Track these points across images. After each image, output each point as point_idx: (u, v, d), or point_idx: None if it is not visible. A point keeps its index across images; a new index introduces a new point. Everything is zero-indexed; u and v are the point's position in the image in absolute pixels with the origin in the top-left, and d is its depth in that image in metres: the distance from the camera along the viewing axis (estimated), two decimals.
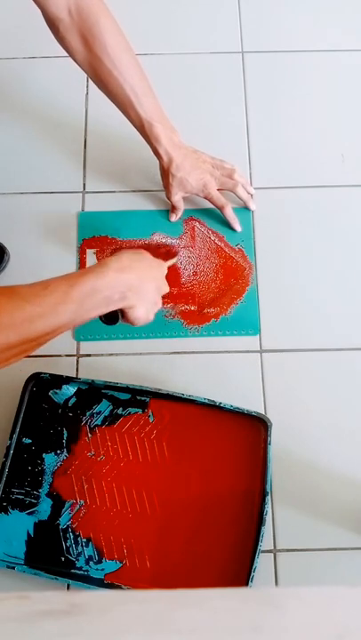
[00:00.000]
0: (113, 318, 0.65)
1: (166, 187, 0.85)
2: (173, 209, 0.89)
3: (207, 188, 0.84)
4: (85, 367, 0.81)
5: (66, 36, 0.73)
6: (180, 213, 0.89)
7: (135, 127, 0.80)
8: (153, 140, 0.80)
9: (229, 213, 0.87)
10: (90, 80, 0.78)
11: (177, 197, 0.86)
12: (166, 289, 0.71)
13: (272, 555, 0.73)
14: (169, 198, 0.87)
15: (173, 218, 0.89)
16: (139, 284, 0.63)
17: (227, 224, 0.88)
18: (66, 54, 0.76)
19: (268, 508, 0.71)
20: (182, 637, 0.26)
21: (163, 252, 0.87)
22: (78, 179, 0.87)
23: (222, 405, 0.75)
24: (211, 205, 0.89)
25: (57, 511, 0.74)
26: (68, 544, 0.72)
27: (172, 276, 0.85)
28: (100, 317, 0.63)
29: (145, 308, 0.65)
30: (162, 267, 0.71)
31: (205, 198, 0.86)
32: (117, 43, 0.75)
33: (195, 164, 0.84)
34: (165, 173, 0.84)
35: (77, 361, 0.82)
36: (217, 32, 1.02)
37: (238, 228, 0.88)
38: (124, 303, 0.62)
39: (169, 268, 0.75)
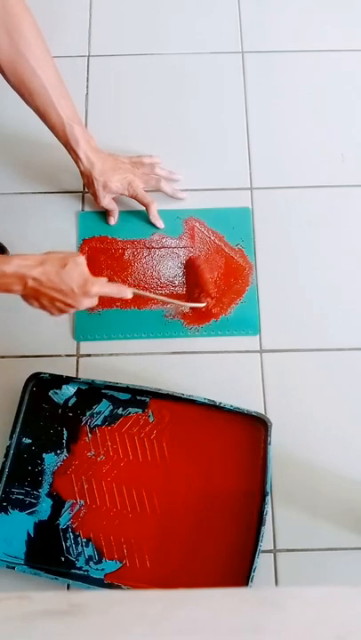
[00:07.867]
0: None
1: (93, 194, 0.85)
2: (109, 213, 0.88)
3: (132, 186, 0.84)
4: (85, 367, 0.81)
5: None
6: (116, 214, 0.88)
7: (53, 130, 0.79)
8: (73, 142, 0.79)
9: (153, 212, 0.87)
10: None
11: (106, 201, 0.86)
12: (81, 305, 0.70)
13: (272, 555, 0.73)
14: (99, 204, 0.86)
15: (112, 221, 0.88)
16: (38, 287, 0.66)
17: (227, 224, 0.88)
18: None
19: (268, 508, 0.71)
20: (182, 637, 0.26)
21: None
22: (78, 179, 0.87)
23: (222, 405, 0.75)
24: (211, 205, 0.89)
25: (57, 511, 0.74)
26: (68, 544, 0.72)
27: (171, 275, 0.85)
28: None
29: (40, 305, 0.69)
30: (85, 286, 0.68)
31: (131, 197, 0.86)
32: (41, 43, 0.75)
33: (114, 165, 0.84)
34: (89, 181, 0.83)
35: (77, 361, 0.82)
36: (217, 32, 1.02)
37: (161, 225, 0.88)
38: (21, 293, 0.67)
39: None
